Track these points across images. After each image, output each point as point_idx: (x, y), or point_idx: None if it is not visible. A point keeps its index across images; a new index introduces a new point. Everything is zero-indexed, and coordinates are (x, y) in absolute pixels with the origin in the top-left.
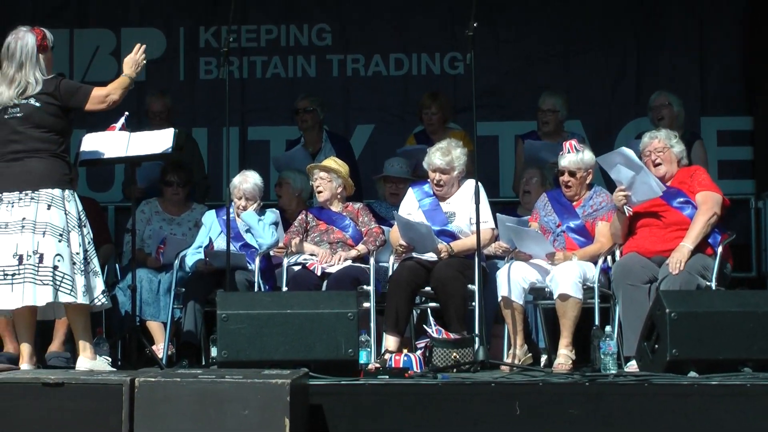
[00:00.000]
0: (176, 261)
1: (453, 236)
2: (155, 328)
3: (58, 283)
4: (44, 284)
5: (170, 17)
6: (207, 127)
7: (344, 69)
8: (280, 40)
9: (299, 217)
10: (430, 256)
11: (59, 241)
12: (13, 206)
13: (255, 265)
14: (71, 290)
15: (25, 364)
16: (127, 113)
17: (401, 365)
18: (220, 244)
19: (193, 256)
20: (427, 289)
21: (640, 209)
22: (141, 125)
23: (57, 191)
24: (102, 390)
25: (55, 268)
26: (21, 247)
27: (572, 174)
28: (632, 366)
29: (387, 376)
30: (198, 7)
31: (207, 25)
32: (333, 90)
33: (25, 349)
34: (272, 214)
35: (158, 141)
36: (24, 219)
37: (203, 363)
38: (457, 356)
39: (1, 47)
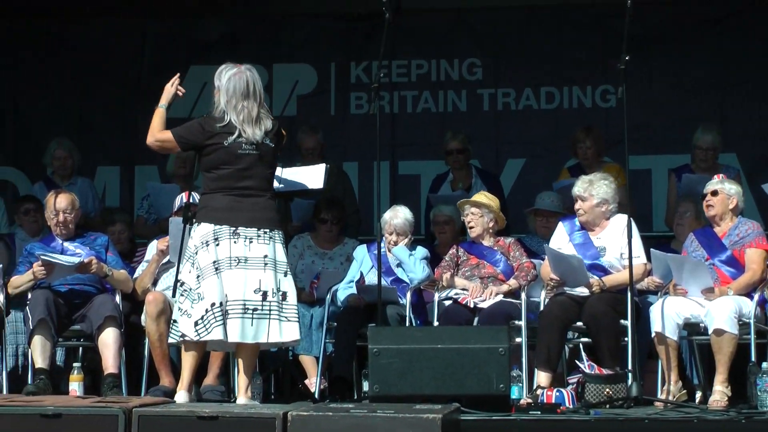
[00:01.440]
0: (328, 295)
1: (604, 271)
2: (308, 362)
3: (299, 320)
4: (290, 321)
5: (321, 53)
6: (358, 161)
7: (495, 103)
8: (430, 75)
9: (450, 252)
10: (582, 291)
11: (292, 280)
12: (251, 242)
13: (406, 300)
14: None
15: (241, 398)
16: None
17: (553, 401)
18: (371, 278)
19: (344, 290)
20: (579, 324)
21: None
22: (292, 161)
23: (282, 233)
24: (255, 423)
25: (294, 306)
26: (264, 284)
27: (714, 193)
28: None
29: (539, 412)
30: (349, 43)
31: (358, 61)
32: (483, 124)
33: (242, 383)
34: (423, 249)
35: (310, 177)
36: (266, 257)
37: (355, 397)
38: (610, 392)
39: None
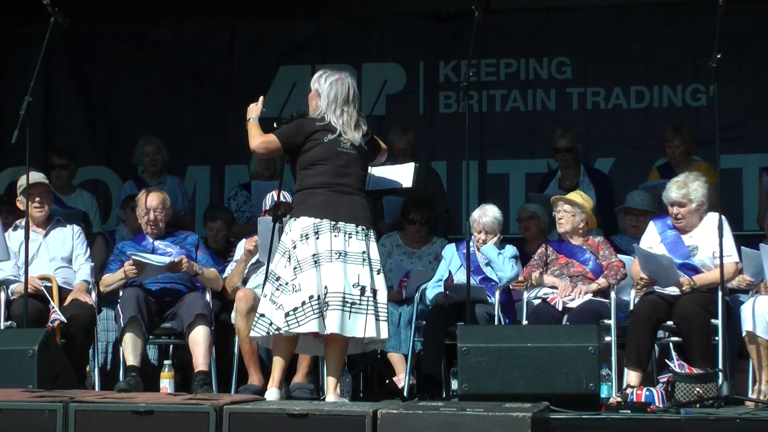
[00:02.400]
0: (417, 294)
1: (695, 270)
2: (396, 360)
3: (387, 319)
4: (382, 320)
5: (410, 52)
6: (446, 160)
7: (584, 102)
8: (519, 74)
9: (539, 251)
10: (672, 290)
11: (384, 279)
12: (350, 237)
13: (495, 299)
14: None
15: (330, 396)
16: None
17: (643, 400)
18: (459, 277)
19: (433, 289)
20: (669, 323)
21: None
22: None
23: (374, 232)
24: (345, 421)
25: (385, 304)
26: (362, 279)
27: None
28: None
29: (629, 411)
30: (438, 42)
31: (447, 60)
32: (573, 123)
33: (332, 382)
34: (512, 248)
35: (399, 176)
36: (363, 252)
37: (443, 395)
38: (701, 391)
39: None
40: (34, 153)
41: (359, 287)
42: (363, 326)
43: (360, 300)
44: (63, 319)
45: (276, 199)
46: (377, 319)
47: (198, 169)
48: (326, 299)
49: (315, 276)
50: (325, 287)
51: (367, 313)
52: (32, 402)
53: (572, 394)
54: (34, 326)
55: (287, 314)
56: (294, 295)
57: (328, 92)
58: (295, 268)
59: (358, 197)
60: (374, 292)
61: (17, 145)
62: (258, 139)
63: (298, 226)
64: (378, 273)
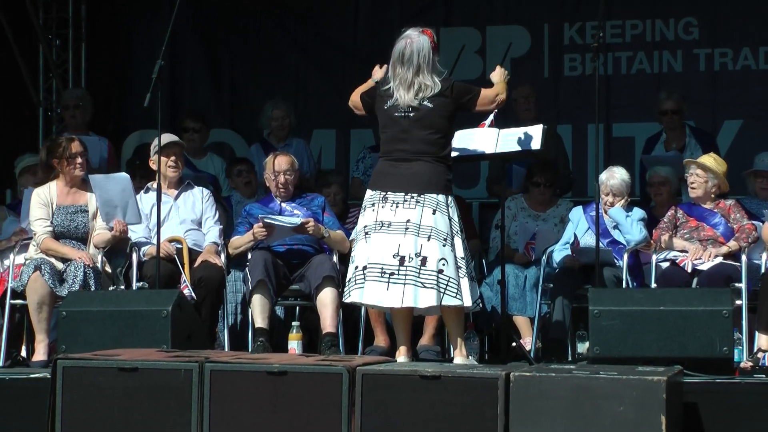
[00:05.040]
0: (544, 257)
1: None
2: (522, 323)
3: (443, 286)
4: (426, 287)
5: (535, 15)
6: (571, 124)
7: (711, 63)
8: (645, 35)
9: (669, 213)
10: None
11: (443, 246)
12: (397, 207)
13: (623, 262)
14: (456, 293)
15: (402, 358)
16: (496, 110)
17: None
18: (586, 240)
19: (560, 252)
20: None
21: None
22: (505, 122)
23: (441, 197)
24: (478, 383)
25: (440, 272)
26: (403, 249)
27: None
28: None
29: (764, 375)
30: (563, 4)
31: (571, 22)
32: (700, 85)
33: (403, 348)
34: (640, 210)
35: (527, 138)
36: (408, 221)
37: (569, 359)
38: None
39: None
40: (163, 117)
41: (399, 257)
42: (400, 296)
43: (399, 270)
44: (194, 295)
45: None
46: (419, 288)
47: (323, 133)
48: (366, 271)
49: (365, 247)
50: (368, 258)
51: (405, 283)
52: (169, 362)
53: (705, 358)
54: (165, 288)
55: (346, 284)
56: (350, 266)
57: (392, 53)
58: (352, 239)
59: (417, 162)
60: (423, 259)
61: (147, 109)
62: (353, 97)
63: (365, 198)
64: (428, 239)
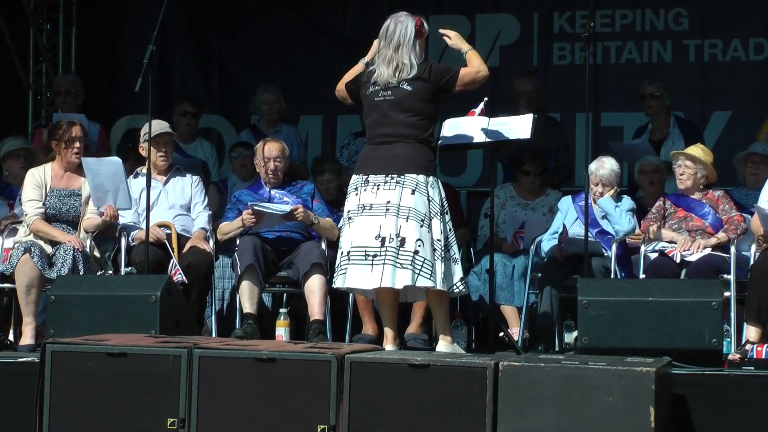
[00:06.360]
0: (532, 246)
1: None
2: (509, 312)
3: (417, 267)
4: (404, 268)
5: (525, 3)
6: (559, 112)
7: (701, 54)
8: (635, 25)
9: (657, 204)
10: None
11: (421, 227)
12: (378, 189)
13: (611, 252)
14: (430, 275)
15: (389, 345)
16: (486, 98)
17: (763, 356)
18: (575, 230)
19: (548, 241)
20: None
21: None
22: (495, 111)
23: (422, 177)
24: (466, 372)
25: (415, 252)
26: (384, 230)
27: None
28: None
29: (752, 368)
30: None
31: (561, 11)
32: (689, 76)
33: (389, 333)
34: (629, 201)
35: (518, 127)
36: (388, 202)
37: (556, 349)
38: None
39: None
40: (153, 102)
41: (380, 238)
42: (379, 277)
43: (379, 251)
44: (184, 279)
45: None
46: (397, 269)
47: (310, 119)
48: (350, 255)
49: (348, 232)
50: (351, 242)
51: (384, 264)
52: (157, 347)
53: (694, 350)
54: (154, 273)
55: (335, 270)
56: (338, 252)
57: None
58: (341, 227)
59: (397, 144)
60: (402, 240)
61: (137, 94)
62: (339, 85)
63: (349, 184)
64: (407, 220)
